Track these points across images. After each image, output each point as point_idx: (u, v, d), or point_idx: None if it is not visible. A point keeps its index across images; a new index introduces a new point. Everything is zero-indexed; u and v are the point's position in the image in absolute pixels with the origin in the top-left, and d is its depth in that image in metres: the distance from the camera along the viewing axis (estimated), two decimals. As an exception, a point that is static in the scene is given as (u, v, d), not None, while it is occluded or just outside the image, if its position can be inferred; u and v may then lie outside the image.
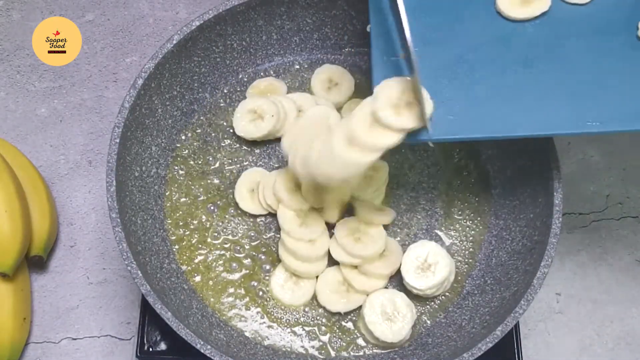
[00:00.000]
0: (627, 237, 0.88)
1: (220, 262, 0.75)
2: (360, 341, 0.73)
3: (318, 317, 0.74)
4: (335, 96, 0.82)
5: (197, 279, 0.74)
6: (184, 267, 0.75)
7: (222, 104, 0.82)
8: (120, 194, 0.70)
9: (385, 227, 0.76)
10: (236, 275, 0.75)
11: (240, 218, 0.77)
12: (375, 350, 0.72)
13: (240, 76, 0.83)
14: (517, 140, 0.77)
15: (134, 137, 0.73)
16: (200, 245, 0.76)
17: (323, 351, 0.72)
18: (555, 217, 0.70)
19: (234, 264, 0.75)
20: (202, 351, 0.64)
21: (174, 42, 0.74)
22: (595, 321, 0.84)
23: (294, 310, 0.74)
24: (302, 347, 0.72)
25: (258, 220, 0.78)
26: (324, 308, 0.74)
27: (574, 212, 0.88)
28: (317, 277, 0.74)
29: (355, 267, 0.73)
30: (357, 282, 0.72)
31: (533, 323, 0.83)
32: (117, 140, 0.70)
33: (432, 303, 0.74)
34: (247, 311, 0.74)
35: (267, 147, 0.81)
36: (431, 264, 0.73)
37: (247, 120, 0.79)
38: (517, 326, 0.75)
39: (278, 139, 0.79)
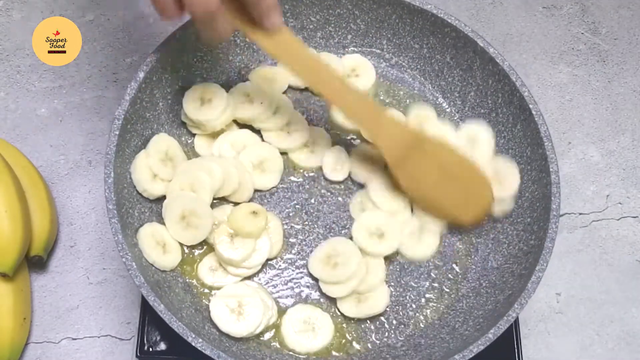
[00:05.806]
0: (627, 237, 0.88)
1: (216, 256, 0.75)
2: (355, 343, 0.72)
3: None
4: None
5: (192, 273, 0.74)
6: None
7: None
8: (118, 186, 0.69)
9: None
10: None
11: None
12: (368, 346, 0.72)
13: (243, 72, 0.82)
14: (516, 144, 0.77)
15: (134, 130, 0.73)
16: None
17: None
18: (552, 221, 0.69)
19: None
20: (193, 344, 0.63)
21: (177, 37, 0.74)
22: (595, 321, 0.84)
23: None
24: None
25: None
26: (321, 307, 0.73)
27: (574, 212, 0.88)
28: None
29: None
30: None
31: (533, 323, 0.83)
32: (117, 132, 0.70)
33: (427, 304, 0.74)
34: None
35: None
36: (338, 262, 0.72)
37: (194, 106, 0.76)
38: (517, 326, 0.75)
39: None
